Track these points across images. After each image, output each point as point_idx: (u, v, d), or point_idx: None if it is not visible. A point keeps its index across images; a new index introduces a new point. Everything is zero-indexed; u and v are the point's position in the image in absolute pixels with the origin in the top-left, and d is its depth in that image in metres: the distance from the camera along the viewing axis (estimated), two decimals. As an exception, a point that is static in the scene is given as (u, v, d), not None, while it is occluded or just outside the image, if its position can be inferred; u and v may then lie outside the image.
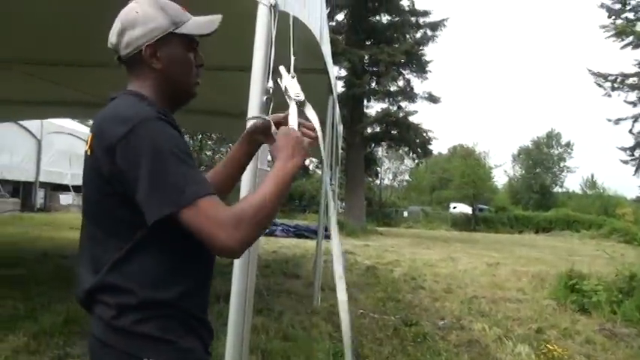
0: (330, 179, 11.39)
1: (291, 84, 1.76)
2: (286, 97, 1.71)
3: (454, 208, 42.99)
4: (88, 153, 1.41)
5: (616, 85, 29.66)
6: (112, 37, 1.52)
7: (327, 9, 5.65)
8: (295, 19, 3.23)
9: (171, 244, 1.36)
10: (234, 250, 1.30)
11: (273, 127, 1.62)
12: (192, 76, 1.56)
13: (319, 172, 31.87)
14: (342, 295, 1.68)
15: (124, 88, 1.53)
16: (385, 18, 24.59)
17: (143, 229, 1.31)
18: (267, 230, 16.74)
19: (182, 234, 1.29)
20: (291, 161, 1.46)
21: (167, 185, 1.27)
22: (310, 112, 1.71)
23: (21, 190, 19.13)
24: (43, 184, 20.14)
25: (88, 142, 1.42)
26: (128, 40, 1.48)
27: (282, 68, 1.81)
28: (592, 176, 57.52)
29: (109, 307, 1.37)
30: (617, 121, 31.89)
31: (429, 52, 41.33)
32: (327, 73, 5.66)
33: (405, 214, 42.70)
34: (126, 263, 1.36)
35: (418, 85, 27.62)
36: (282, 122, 1.66)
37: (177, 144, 1.31)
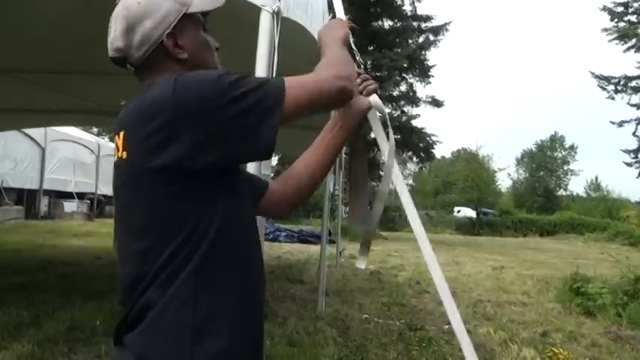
0: (334, 184, 11.40)
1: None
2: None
3: (458, 212, 42.92)
4: (124, 156, 1.21)
5: (619, 88, 29.69)
6: (118, 41, 1.29)
7: (329, 15, 5.64)
8: (298, 25, 3.25)
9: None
10: (349, 86, 1.32)
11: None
12: (213, 59, 1.38)
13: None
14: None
15: None
16: (387, 23, 24.61)
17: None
18: (271, 236, 16.79)
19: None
20: (338, 31, 1.56)
21: (252, 100, 1.14)
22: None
23: (25, 198, 19.15)
24: (47, 192, 20.16)
25: (120, 144, 1.22)
26: (141, 37, 1.27)
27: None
28: (596, 179, 57.32)
29: None
30: (621, 124, 31.87)
31: (431, 56, 41.42)
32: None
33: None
34: None
35: (421, 90, 27.76)
36: None
37: (221, 70, 1.21)
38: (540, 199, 52.93)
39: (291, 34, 2.74)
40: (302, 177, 1.56)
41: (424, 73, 24.49)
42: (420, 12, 24.61)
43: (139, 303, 1.19)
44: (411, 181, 58.74)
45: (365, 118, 1.67)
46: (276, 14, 2.37)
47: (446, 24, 24.42)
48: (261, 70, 2.31)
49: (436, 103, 24.84)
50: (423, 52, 24.34)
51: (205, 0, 1.33)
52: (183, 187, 1.15)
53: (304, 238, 17.67)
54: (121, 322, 1.24)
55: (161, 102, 1.13)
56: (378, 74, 23.80)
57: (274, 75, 2.29)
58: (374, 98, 1.66)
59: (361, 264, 1.86)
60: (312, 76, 1.28)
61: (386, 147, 1.77)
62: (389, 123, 1.75)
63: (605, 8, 27.66)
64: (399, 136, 24.17)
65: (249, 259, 1.28)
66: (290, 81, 1.20)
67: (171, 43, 1.28)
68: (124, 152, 1.20)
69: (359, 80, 1.62)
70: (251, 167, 2.23)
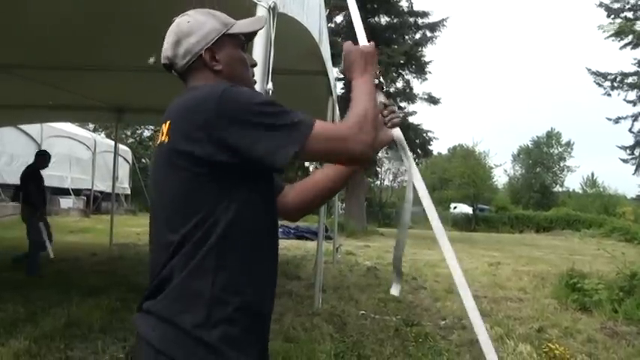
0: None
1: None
2: None
3: (454, 208, 42.95)
4: (165, 140, 1.41)
5: (616, 85, 29.78)
6: (167, 51, 1.56)
7: (325, 11, 5.66)
8: (294, 21, 3.25)
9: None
10: (369, 153, 1.44)
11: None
12: (248, 75, 1.61)
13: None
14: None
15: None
16: (384, 19, 24.57)
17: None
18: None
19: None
20: (365, 74, 1.59)
21: (280, 127, 1.33)
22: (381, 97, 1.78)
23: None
24: (44, 188, 20.10)
25: (164, 131, 1.42)
26: (186, 49, 1.52)
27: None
28: (592, 175, 57.38)
29: None
30: (617, 120, 32.00)
31: (428, 52, 41.35)
32: (326, 74, 5.67)
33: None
34: None
35: (417, 86, 27.84)
36: None
37: (261, 94, 1.49)
38: (536, 195, 52.97)
39: (287, 29, 2.74)
40: (314, 190, 1.78)
41: (421, 69, 24.48)
42: (416, 8, 24.59)
43: (162, 273, 1.38)
44: (406, 178, 58.75)
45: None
46: (272, 10, 2.37)
47: (442, 20, 24.42)
48: (257, 67, 2.30)
49: (432, 99, 24.85)
50: (420, 49, 24.31)
51: (245, 23, 1.60)
52: (203, 173, 1.35)
53: (301, 235, 17.66)
54: (147, 292, 1.43)
55: (207, 103, 1.34)
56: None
57: (270, 70, 2.29)
58: (397, 132, 1.75)
59: (395, 290, 1.92)
60: (340, 131, 1.43)
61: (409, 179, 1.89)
62: (409, 154, 1.82)
63: (601, 5, 27.69)
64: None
65: (259, 248, 1.45)
66: (317, 129, 1.37)
67: (209, 56, 1.52)
68: (166, 137, 1.40)
69: (385, 112, 1.78)
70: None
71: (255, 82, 1.65)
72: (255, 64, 1.65)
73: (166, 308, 1.36)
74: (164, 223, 1.42)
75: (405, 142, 1.78)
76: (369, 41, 1.78)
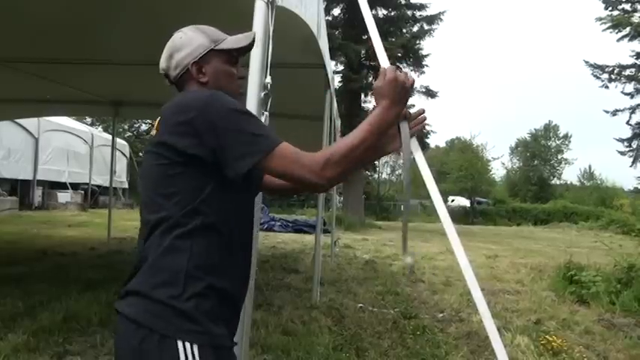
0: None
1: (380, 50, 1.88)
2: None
3: (452, 201, 42.98)
4: (154, 133, 1.60)
5: (613, 77, 29.76)
6: (163, 63, 1.75)
7: (323, 3, 5.64)
8: (293, 14, 3.24)
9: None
10: (324, 187, 1.58)
11: None
12: (235, 87, 1.76)
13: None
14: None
15: None
16: (381, 12, 24.51)
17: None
18: (266, 225, 16.82)
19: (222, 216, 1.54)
20: (394, 109, 1.62)
21: (248, 138, 1.47)
22: None
23: (19, 189, 19.10)
24: (41, 182, 20.11)
25: (156, 126, 1.60)
26: (176, 62, 1.71)
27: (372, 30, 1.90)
28: (589, 168, 57.44)
29: None
30: (615, 113, 32.00)
31: (425, 45, 41.31)
32: (324, 67, 5.66)
33: (403, 207, 42.58)
34: None
35: (415, 79, 27.67)
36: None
37: (242, 107, 1.57)
38: (534, 188, 52.99)
39: (285, 22, 2.73)
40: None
41: (418, 62, 24.42)
42: (414, 1, 24.52)
43: (140, 255, 1.55)
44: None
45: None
46: (271, 3, 2.36)
47: (440, 13, 24.36)
48: (255, 60, 2.30)
49: (430, 93, 24.80)
50: (417, 42, 24.25)
51: (233, 40, 1.76)
52: (181, 162, 1.50)
53: (299, 228, 17.68)
54: (127, 277, 1.57)
55: (194, 104, 1.51)
56: (372, 63, 23.76)
57: (269, 64, 2.29)
58: (414, 143, 1.79)
59: (406, 258, 1.95)
60: (303, 158, 1.51)
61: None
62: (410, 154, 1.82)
63: (599, -4, 27.63)
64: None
65: (231, 236, 1.57)
66: (282, 148, 1.49)
67: (195, 69, 1.70)
68: (156, 131, 1.58)
69: (415, 113, 1.84)
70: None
71: (242, 94, 1.81)
72: (243, 77, 1.83)
73: (142, 284, 1.48)
74: (145, 207, 1.59)
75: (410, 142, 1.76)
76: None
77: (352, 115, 23.14)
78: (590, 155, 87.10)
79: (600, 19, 25.69)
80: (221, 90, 1.63)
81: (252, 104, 2.26)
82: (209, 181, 1.51)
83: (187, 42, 1.70)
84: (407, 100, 1.65)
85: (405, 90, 1.63)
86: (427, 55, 24.43)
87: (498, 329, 5.40)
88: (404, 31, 24.51)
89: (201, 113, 1.47)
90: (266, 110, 2.17)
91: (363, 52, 23.15)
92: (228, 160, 1.46)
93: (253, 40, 1.81)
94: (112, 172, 12.00)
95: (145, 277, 1.49)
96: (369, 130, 1.55)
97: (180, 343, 1.41)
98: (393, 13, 24.31)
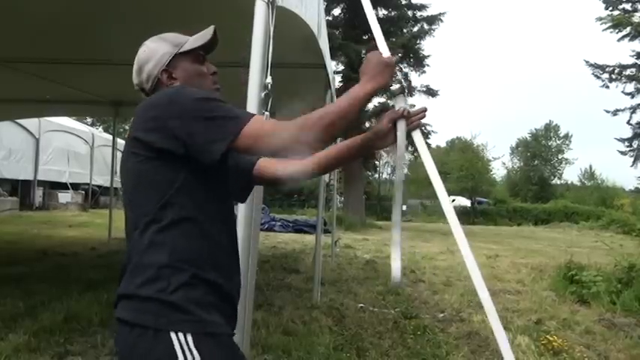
0: (329, 174, 11.42)
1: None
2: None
3: (453, 201, 42.79)
4: (129, 131, 1.64)
5: (614, 77, 29.72)
6: (135, 79, 1.78)
7: (323, 3, 5.65)
8: (293, 14, 3.24)
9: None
10: (298, 153, 1.51)
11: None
12: (209, 83, 1.77)
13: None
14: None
15: None
16: (382, 12, 24.50)
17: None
18: (266, 225, 16.81)
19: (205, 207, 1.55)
20: (371, 82, 1.59)
21: (217, 122, 1.46)
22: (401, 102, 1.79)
23: (19, 189, 19.10)
24: (42, 183, 20.11)
25: (131, 124, 1.64)
26: (147, 74, 1.73)
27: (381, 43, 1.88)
28: (590, 167, 57.39)
29: None
30: (615, 113, 31.97)
31: (426, 45, 41.28)
32: (324, 67, 5.66)
33: (404, 207, 42.67)
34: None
35: (416, 79, 27.66)
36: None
37: (209, 94, 1.56)
38: (535, 187, 52.97)
39: (285, 23, 2.73)
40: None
41: (419, 62, 24.43)
42: (414, 1, 24.52)
43: (128, 252, 1.55)
44: (405, 170, 58.82)
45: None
46: (271, 3, 2.36)
47: (440, 14, 24.36)
48: (256, 60, 2.30)
49: (431, 92, 24.80)
50: (418, 42, 24.26)
51: (194, 39, 1.77)
52: (154, 158, 1.51)
53: (299, 228, 17.68)
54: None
55: (161, 100, 1.55)
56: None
57: (269, 64, 2.29)
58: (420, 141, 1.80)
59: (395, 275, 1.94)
60: (275, 126, 1.48)
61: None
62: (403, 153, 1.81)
63: (599, -4, 27.61)
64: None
65: (209, 231, 1.56)
66: (253, 124, 1.46)
67: (166, 76, 1.72)
68: (131, 129, 1.60)
69: (415, 111, 1.84)
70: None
71: (219, 90, 1.76)
72: (214, 72, 1.79)
73: (129, 286, 1.49)
74: (126, 205, 1.61)
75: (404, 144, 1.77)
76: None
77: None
78: (591, 155, 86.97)
79: (600, 18, 25.65)
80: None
81: (252, 104, 2.26)
82: (181, 173, 1.51)
83: (152, 53, 1.73)
84: (389, 76, 1.64)
85: (383, 65, 1.63)
86: (428, 55, 24.45)
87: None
88: (404, 31, 24.51)
89: (168, 106, 1.49)
90: (266, 110, 2.16)
91: (363, 52, 23.15)
92: (200, 148, 1.45)
93: (215, 35, 1.78)
94: (113, 172, 12.00)
95: (131, 278, 1.50)
96: (346, 99, 1.52)
97: (173, 335, 1.41)
98: (393, 14, 24.31)
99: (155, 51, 1.73)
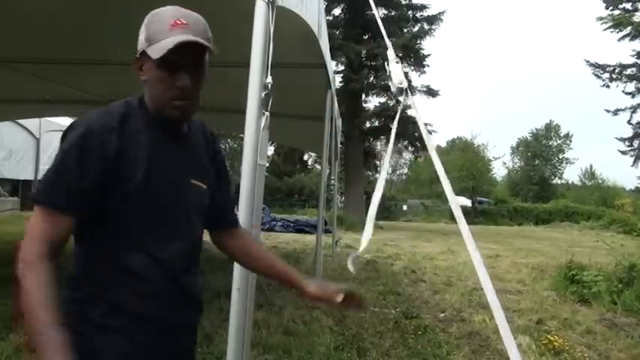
0: (330, 173, 11.43)
1: (395, 70, 1.78)
2: (390, 83, 1.75)
3: (453, 201, 42.97)
4: None
5: (614, 76, 29.69)
6: None
7: (324, 3, 5.64)
8: (294, 14, 3.24)
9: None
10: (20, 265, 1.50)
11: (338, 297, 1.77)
12: (167, 96, 1.48)
13: (318, 166, 31.85)
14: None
15: None
16: (382, 12, 24.49)
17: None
18: (267, 226, 16.81)
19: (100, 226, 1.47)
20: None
21: (49, 174, 1.45)
22: (411, 101, 1.76)
23: (20, 189, 19.10)
24: (42, 183, 20.09)
25: None
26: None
27: (390, 52, 1.85)
28: (591, 167, 57.37)
29: None
30: (616, 112, 31.94)
31: (426, 45, 41.28)
32: (325, 67, 5.66)
33: (405, 207, 42.70)
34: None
35: (416, 79, 27.59)
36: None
37: (70, 152, 1.42)
38: (535, 187, 52.94)
39: (286, 23, 2.73)
40: (247, 261, 1.93)
41: (419, 62, 24.44)
42: (414, 1, 24.53)
43: None
44: (406, 170, 58.85)
45: None
46: (272, 3, 2.36)
47: (440, 13, 24.37)
48: (256, 59, 2.30)
49: (431, 92, 24.81)
50: (418, 42, 24.27)
51: (155, 49, 1.43)
52: None
53: (300, 228, 17.69)
54: None
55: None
56: (372, 63, 23.76)
57: (269, 64, 2.29)
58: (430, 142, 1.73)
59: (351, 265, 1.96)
60: (26, 243, 1.50)
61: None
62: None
63: (600, -4, 27.59)
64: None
65: (128, 248, 1.47)
66: (35, 217, 1.45)
67: (138, 65, 1.52)
68: None
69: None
70: (247, 156, 2.23)
71: (177, 108, 1.49)
72: (184, 86, 1.47)
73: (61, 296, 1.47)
74: None
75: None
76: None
77: (353, 114, 23.17)
78: (592, 155, 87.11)
79: (601, 18, 25.57)
80: (152, 94, 1.51)
81: (252, 104, 2.26)
82: (103, 199, 1.46)
83: (140, 30, 1.52)
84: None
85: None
86: (428, 55, 24.48)
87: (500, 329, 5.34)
88: (405, 31, 24.51)
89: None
90: (267, 110, 2.16)
91: (363, 52, 23.17)
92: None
93: (177, 47, 1.40)
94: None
95: (63, 292, 1.51)
96: (36, 316, 1.41)
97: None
98: (393, 13, 24.32)
99: (140, 32, 1.52)
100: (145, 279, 1.48)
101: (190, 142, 1.62)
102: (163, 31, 1.44)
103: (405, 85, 1.73)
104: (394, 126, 1.73)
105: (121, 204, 1.45)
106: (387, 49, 1.78)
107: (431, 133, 25.19)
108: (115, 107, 1.54)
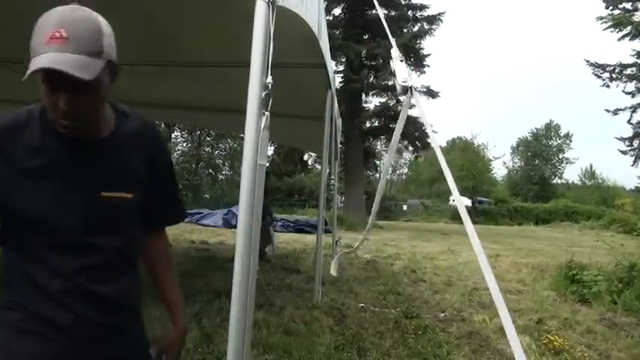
0: (330, 174, 11.43)
1: (400, 68, 1.76)
2: (395, 82, 1.74)
3: (453, 200, 42.99)
4: None
5: (614, 76, 29.72)
6: None
7: (324, 3, 5.64)
8: (294, 14, 3.24)
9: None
10: None
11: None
12: (53, 114, 1.36)
13: (318, 166, 31.83)
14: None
15: None
16: (382, 12, 24.49)
17: None
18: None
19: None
20: None
21: None
22: (415, 100, 1.76)
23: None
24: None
25: None
26: None
27: (394, 50, 1.85)
28: (591, 167, 57.42)
29: None
30: (616, 112, 31.96)
31: (426, 45, 41.27)
32: (325, 67, 5.66)
33: (405, 207, 42.74)
34: None
35: (416, 79, 27.49)
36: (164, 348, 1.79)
37: None
38: (535, 187, 52.97)
39: (286, 22, 2.73)
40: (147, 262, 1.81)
41: (419, 62, 24.49)
42: (414, 1, 24.54)
43: None
44: (406, 170, 58.89)
45: None
46: (272, 3, 2.36)
47: (440, 13, 24.40)
48: (256, 59, 2.29)
49: (431, 92, 24.83)
50: (418, 42, 24.29)
51: (30, 65, 1.25)
52: None
53: (300, 228, 17.69)
54: None
55: None
56: (372, 63, 23.78)
57: (270, 64, 2.29)
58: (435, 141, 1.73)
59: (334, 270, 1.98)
60: None
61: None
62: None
63: (600, -5, 27.60)
64: (394, 126, 24.17)
65: (32, 279, 1.45)
66: None
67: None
68: None
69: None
70: (247, 156, 2.23)
71: (65, 127, 1.37)
72: (62, 112, 1.32)
73: None
74: None
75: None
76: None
77: (353, 114, 23.18)
78: (592, 154, 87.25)
79: (601, 18, 25.58)
80: (47, 111, 1.39)
81: (252, 104, 2.25)
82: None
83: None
84: None
85: None
86: (428, 55, 24.50)
87: (500, 329, 5.38)
88: (404, 31, 24.53)
89: None
90: (267, 110, 2.16)
91: (363, 52, 23.17)
92: None
93: (38, 72, 1.25)
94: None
95: None
96: None
97: None
98: (393, 13, 24.32)
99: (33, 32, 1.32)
100: (49, 292, 1.43)
101: (109, 149, 1.50)
102: (40, 44, 1.27)
103: (409, 83, 1.72)
104: (401, 122, 1.71)
105: (8, 221, 1.44)
106: (389, 48, 1.77)
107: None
108: (14, 115, 1.48)
